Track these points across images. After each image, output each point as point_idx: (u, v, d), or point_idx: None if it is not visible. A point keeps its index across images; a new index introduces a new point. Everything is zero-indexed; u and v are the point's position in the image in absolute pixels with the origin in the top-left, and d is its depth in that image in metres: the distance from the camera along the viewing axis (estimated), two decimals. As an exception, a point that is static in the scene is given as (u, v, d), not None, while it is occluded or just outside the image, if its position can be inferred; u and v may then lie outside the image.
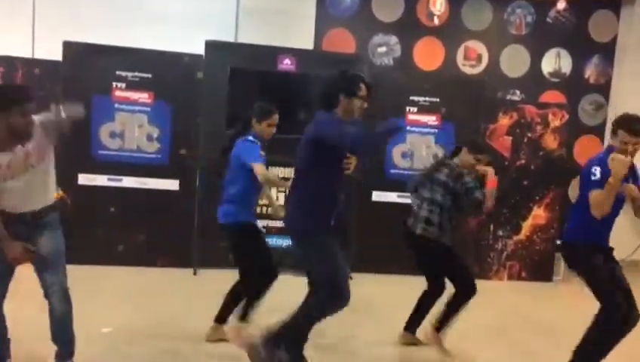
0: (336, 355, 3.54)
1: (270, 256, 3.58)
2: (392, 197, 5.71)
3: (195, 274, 5.11)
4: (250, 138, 3.46)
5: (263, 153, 3.44)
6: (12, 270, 2.74)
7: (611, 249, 3.23)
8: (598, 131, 7.25)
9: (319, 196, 2.93)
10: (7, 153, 2.58)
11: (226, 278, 3.68)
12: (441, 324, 3.60)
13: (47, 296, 2.79)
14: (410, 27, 6.77)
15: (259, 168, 3.29)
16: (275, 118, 3.52)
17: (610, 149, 3.15)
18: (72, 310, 2.85)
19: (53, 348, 2.88)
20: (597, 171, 3.05)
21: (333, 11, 6.62)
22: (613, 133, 3.17)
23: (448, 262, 3.63)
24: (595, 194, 3.00)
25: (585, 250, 3.21)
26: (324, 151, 2.82)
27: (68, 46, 5.15)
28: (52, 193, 2.84)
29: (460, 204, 3.55)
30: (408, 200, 5.64)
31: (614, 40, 7.14)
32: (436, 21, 6.83)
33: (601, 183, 2.98)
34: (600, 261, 3.16)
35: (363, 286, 4.01)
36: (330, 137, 2.80)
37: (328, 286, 2.85)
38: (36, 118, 2.63)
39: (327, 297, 2.86)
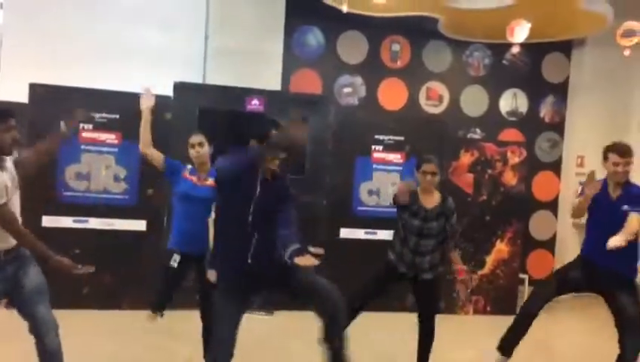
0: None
1: (167, 290, 3.57)
2: (359, 233, 5.80)
3: (161, 316, 5.04)
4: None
5: (191, 177, 3.57)
6: None
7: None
8: (555, 167, 7.55)
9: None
10: (3, 172, 2.58)
11: (193, 318, 3.67)
12: None
13: (39, 333, 2.70)
14: (374, 68, 7.00)
15: None
16: (193, 138, 3.60)
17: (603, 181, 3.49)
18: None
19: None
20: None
21: (299, 53, 6.80)
22: (605, 158, 3.49)
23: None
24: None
25: None
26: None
27: (34, 88, 5.14)
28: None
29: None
30: (375, 237, 5.81)
31: (567, 80, 7.53)
32: (399, 63, 7.08)
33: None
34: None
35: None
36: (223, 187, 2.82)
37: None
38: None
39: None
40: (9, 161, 2.66)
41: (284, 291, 2.87)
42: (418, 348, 3.79)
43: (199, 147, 3.57)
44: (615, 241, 3.07)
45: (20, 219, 2.71)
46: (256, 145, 2.73)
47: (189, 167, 3.64)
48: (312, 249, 2.57)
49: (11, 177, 2.63)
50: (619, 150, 3.42)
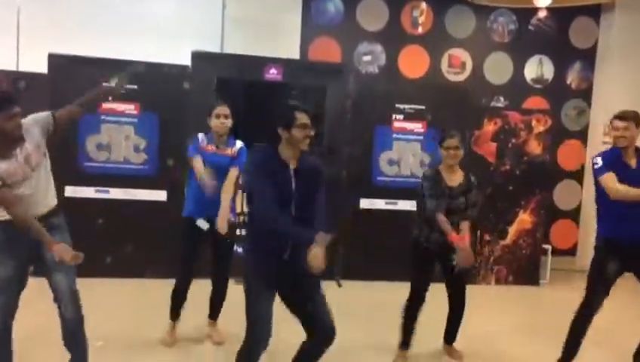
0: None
1: (190, 258, 3.60)
2: (380, 204, 5.75)
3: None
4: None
5: (209, 147, 3.55)
6: (25, 279, 2.70)
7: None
8: (581, 136, 7.37)
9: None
10: (9, 160, 2.59)
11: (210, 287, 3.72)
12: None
13: (57, 299, 2.77)
14: (394, 36, 6.85)
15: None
16: (220, 109, 3.55)
17: (615, 150, 3.37)
18: (83, 315, 2.84)
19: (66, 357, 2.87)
20: (599, 160, 3.35)
21: (318, 20, 6.68)
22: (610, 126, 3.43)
23: None
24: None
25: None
26: None
27: (53, 58, 5.14)
28: (54, 195, 2.84)
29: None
30: (396, 207, 5.77)
31: (595, 46, 7.28)
32: (420, 29, 6.91)
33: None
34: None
35: (352, 292, 4.03)
36: (252, 197, 2.67)
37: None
38: (29, 118, 2.70)
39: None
40: (23, 148, 2.65)
41: (296, 293, 2.75)
42: (448, 321, 3.82)
43: (224, 118, 3.55)
44: None
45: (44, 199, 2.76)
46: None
47: (202, 136, 3.61)
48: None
49: (19, 164, 2.62)
50: (618, 115, 3.35)
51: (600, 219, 3.49)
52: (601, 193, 3.37)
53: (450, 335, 3.86)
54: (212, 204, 3.45)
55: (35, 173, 2.69)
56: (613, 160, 3.33)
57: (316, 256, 2.46)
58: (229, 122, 3.56)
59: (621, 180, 3.25)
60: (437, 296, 3.67)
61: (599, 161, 3.36)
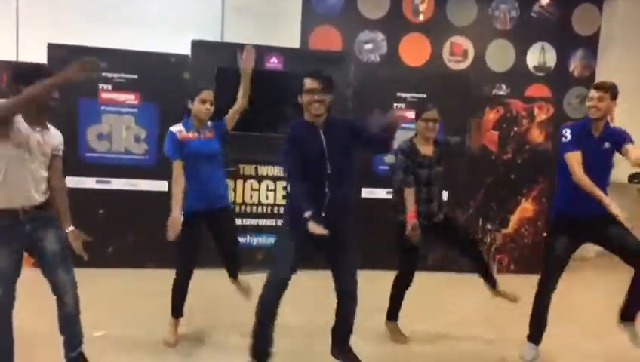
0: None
1: (191, 248, 3.54)
2: (381, 193, 5.74)
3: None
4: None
5: (192, 135, 3.45)
6: (20, 267, 2.69)
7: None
8: (584, 124, 7.32)
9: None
10: (30, 131, 2.62)
11: (214, 278, 3.70)
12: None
13: (58, 293, 2.79)
14: (396, 23, 6.80)
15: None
16: (206, 94, 3.46)
17: (585, 121, 3.33)
18: (79, 309, 2.89)
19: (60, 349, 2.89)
20: (567, 133, 3.29)
21: (318, 9, 6.63)
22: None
23: None
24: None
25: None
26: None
27: (53, 48, 5.11)
28: (44, 193, 2.80)
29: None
30: (391, 196, 5.72)
31: (597, 33, 7.23)
32: (421, 17, 6.86)
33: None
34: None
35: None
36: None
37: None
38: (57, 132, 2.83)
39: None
40: (43, 133, 2.69)
41: (329, 252, 2.96)
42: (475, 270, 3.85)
43: (210, 105, 3.47)
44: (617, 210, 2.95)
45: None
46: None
47: (179, 127, 3.45)
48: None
49: (35, 139, 2.64)
50: (595, 84, 3.33)
51: (558, 192, 3.47)
52: (563, 167, 3.30)
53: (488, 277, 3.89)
54: (214, 194, 3.47)
55: (39, 160, 2.68)
56: (580, 132, 3.28)
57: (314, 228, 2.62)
58: (212, 108, 3.48)
59: (587, 153, 3.22)
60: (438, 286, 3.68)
61: (567, 135, 3.29)
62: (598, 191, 3.08)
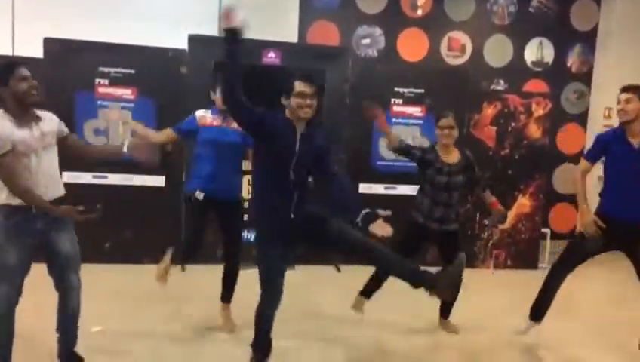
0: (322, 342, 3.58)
1: (198, 229, 3.53)
2: (379, 188, 5.74)
3: (183, 270, 5.11)
4: None
5: (214, 122, 3.49)
6: (30, 263, 2.68)
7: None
8: (581, 119, 7.34)
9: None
10: (24, 129, 2.59)
11: (213, 273, 3.69)
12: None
13: (63, 291, 2.81)
14: (394, 19, 6.78)
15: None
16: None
17: (617, 130, 3.32)
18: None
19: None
20: (595, 142, 3.41)
21: (316, 3, 6.60)
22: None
23: None
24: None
25: None
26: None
27: (49, 43, 5.08)
28: (61, 188, 2.80)
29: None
30: (395, 192, 5.75)
31: (595, 28, 7.22)
32: (420, 12, 6.84)
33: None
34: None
35: (353, 277, 4.04)
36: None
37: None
38: (50, 114, 2.78)
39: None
40: (39, 124, 2.66)
41: (321, 244, 2.90)
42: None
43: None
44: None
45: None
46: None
47: (202, 112, 3.53)
48: (381, 212, 2.61)
49: (33, 136, 2.61)
50: (622, 87, 3.28)
51: (603, 193, 3.45)
52: (606, 167, 3.35)
53: (446, 308, 3.92)
54: (222, 182, 3.44)
55: (44, 153, 2.66)
56: (613, 140, 3.28)
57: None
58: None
59: (622, 161, 3.21)
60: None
61: (592, 144, 3.43)
62: (582, 202, 3.23)
